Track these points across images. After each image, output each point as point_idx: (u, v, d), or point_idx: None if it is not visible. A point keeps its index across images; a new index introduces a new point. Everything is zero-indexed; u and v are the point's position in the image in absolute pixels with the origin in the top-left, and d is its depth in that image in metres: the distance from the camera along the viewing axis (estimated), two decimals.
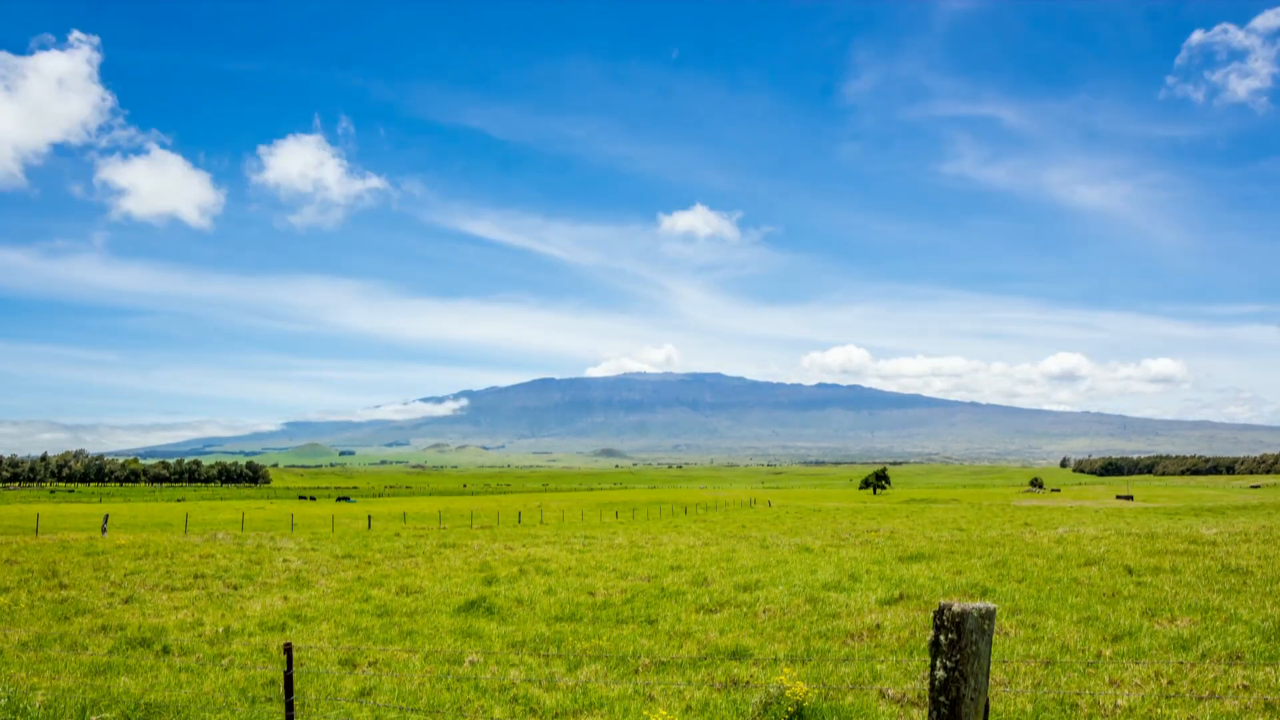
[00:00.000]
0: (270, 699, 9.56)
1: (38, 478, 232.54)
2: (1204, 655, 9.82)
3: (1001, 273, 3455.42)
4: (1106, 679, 9.19)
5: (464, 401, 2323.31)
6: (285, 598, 16.82)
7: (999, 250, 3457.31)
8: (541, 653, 11.70)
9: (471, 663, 11.25)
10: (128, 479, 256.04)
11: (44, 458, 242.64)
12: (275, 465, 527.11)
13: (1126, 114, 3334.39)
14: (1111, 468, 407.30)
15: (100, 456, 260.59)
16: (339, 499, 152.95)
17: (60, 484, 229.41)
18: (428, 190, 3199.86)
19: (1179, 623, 11.51)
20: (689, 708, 8.95)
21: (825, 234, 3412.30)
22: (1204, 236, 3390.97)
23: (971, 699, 4.65)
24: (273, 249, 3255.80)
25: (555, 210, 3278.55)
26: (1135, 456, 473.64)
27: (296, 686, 9.74)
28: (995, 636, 11.04)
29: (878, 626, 12.17)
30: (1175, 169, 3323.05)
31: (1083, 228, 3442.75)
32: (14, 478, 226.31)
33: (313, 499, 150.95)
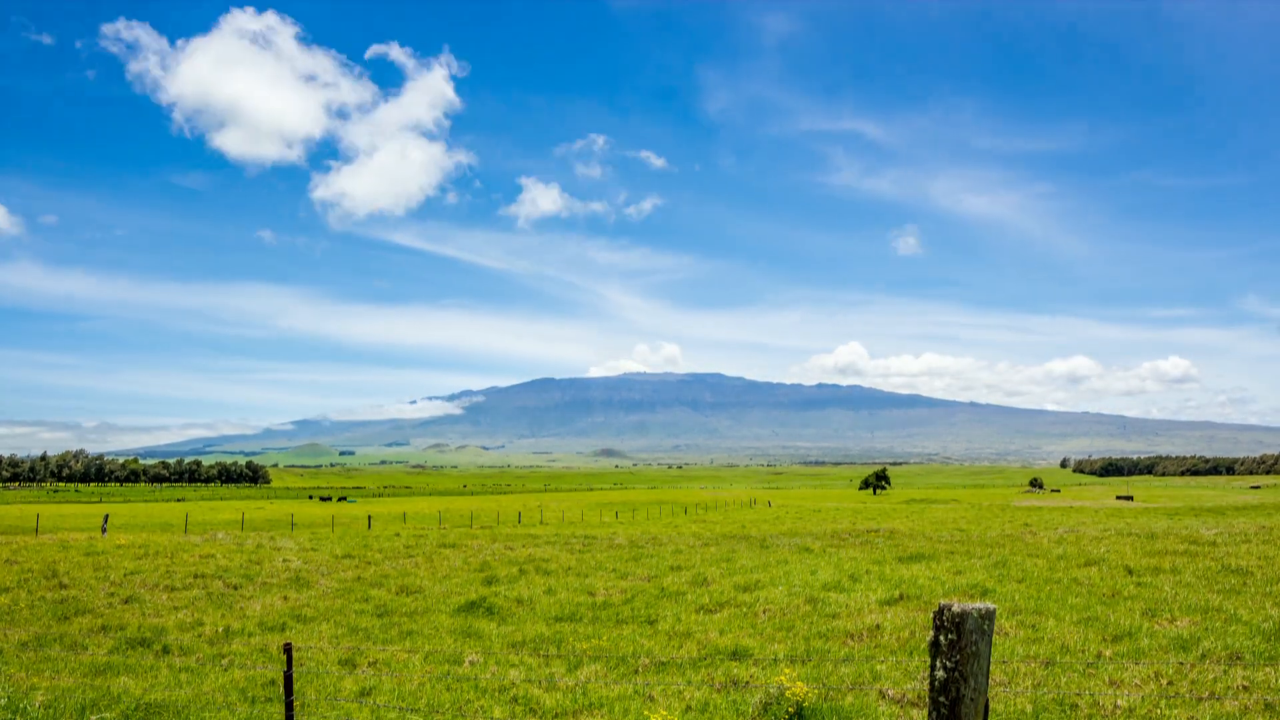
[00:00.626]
0: (270, 699, 9.56)
1: (38, 478, 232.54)
2: (1204, 656, 9.82)
3: (924, 278, 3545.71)
4: (1106, 679, 9.19)
5: (464, 402, 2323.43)
6: (285, 598, 16.81)
7: (909, 256, 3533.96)
8: (541, 653, 11.70)
9: (471, 663, 11.25)
10: (128, 479, 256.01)
11: (44, 457, 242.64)
12: (275, 465, 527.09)
13: (987, 128, 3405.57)
14: (1111, 468, 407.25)
15: (100, 456, 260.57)
16: (341, 499, 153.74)
17: (60, 484, 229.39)
18: (344, 202, 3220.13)
19: (1179, 623, 11.51)
20: (689, 708, 8.95)
21: (742, 243, 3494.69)
22: (1105, 243, 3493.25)
23: (971, 699, 4.65)
24: (209, 257, 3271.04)
25: (469, 222, 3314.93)
26: (1135, 457, 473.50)
27: (296, 686, 9.74)
28: (995, 637, 11.04)
29: (878, 627, 12.17)
30: (1057, 180, 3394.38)
31: (980, 235, 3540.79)
32: (14, 477, 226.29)
33: (326, 499, 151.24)
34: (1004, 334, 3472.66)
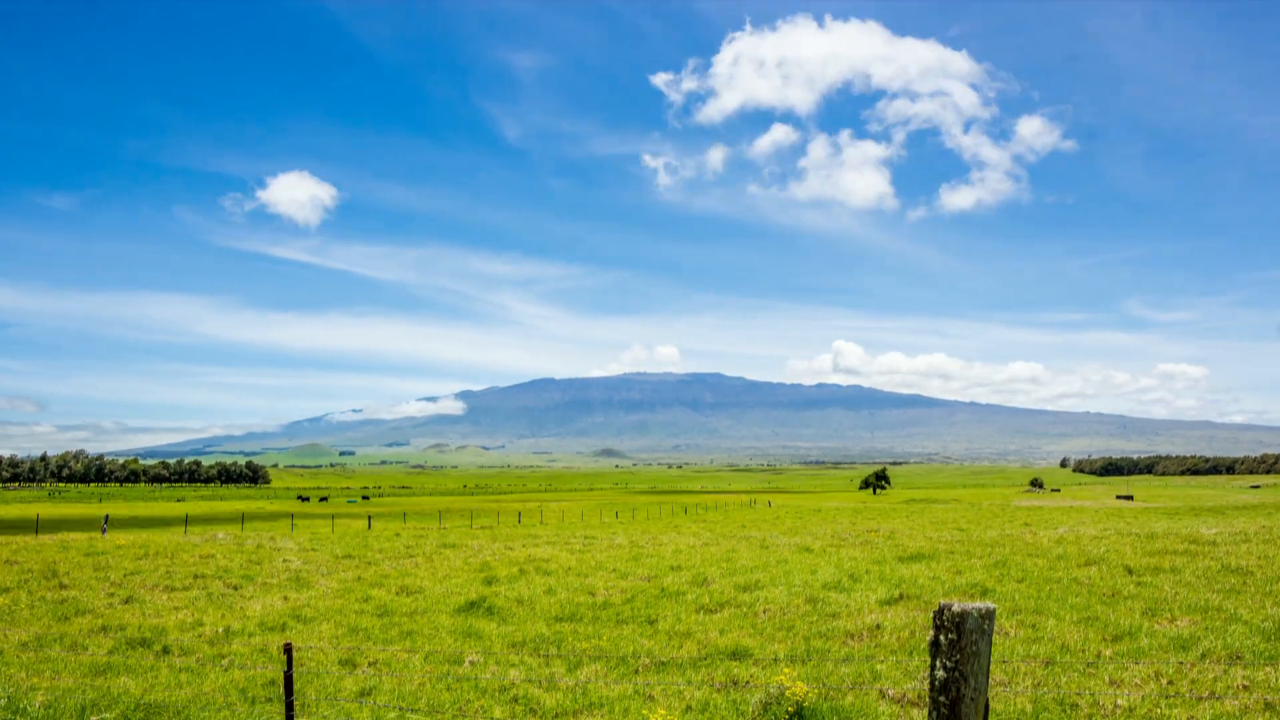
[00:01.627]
0: (270, 699, 9.56)
1: (38, 478, 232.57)
2: (1204, 655, 9.82)
3: (806, 285, 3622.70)
4: (1106, 679, 9.19)
5: (464, 402, 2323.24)
6: (285, 598, 16.81)
7: (776, 265, 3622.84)
8: (541, 653, 11.70)
9: (471, 663, 11.25)
10: (128, 479, 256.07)
11: (44, 458, 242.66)
12: (275, 465, 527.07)
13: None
14: (1112, 468, 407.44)
15: (100, 457, 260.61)
16: (321, 499, 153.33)
17: (60, 484, 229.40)
18: (229, 218, 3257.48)
19: (1179, 623, 11.51)
20: (689, 708, 8.95)
21: (616, 254, 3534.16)
22: (956, 255, 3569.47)
23: (971, 699, 4.65)
24: (113, 268, 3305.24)
25: (356, 237, 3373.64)
26: (1135, 456, 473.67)
27: (296, 686, 9.74)
28: (995, 636, 11.04)
29: (878, 626, 12.17)
30: (893, 190, 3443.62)
31: (838, 246, 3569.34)
32: (14, 478, 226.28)
33: (304, 499, 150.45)
34: (923, 338, 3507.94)
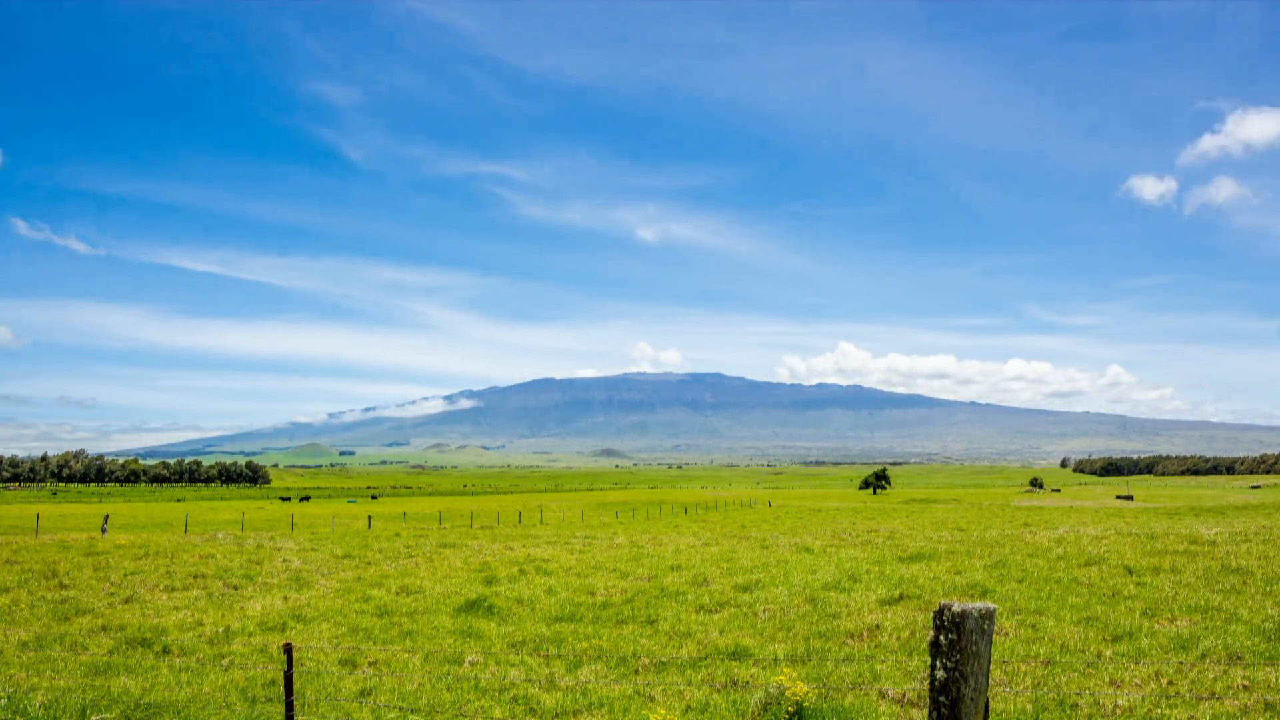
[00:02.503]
0: (270, 699, 9.56)
1: (38, 478, 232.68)
2: (1204, 655, 9.82)
3: (705, 292, 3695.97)
4: (1106, 679, 9.19)
5: (464, 402, 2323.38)
6: (285, 598, 16.81)
7: (664, 275, 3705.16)
8: (541, 653, 11.70)
9: (471, 663, 11.25)
10: (128, 479, 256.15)
11: (44, 458, 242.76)
12: (275, 465, 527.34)
13: (617, 170, 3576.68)
14: (1111, 468, 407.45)
15: (100, 457, 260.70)
16: (303, 499, 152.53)
17: (60, 484, 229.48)
18: (123, 236, 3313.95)
19: (1179, 623, 11.51)
20: (689, 708, 8.95)
21: (509, 266, 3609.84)
22: (837, 263, 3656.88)
23: (972, 699, 4.65)
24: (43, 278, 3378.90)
25: (259, 248, 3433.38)
26: (1135, 456, 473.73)
27: (296, 686, 9.74)
28: (995, 636, 11.04)
29: (878, 627, 12.17)
30: (728, 211, 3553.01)
31: (712, 257, 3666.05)
32: (14, 478, 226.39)
33: (286, 499, 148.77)
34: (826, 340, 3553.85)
